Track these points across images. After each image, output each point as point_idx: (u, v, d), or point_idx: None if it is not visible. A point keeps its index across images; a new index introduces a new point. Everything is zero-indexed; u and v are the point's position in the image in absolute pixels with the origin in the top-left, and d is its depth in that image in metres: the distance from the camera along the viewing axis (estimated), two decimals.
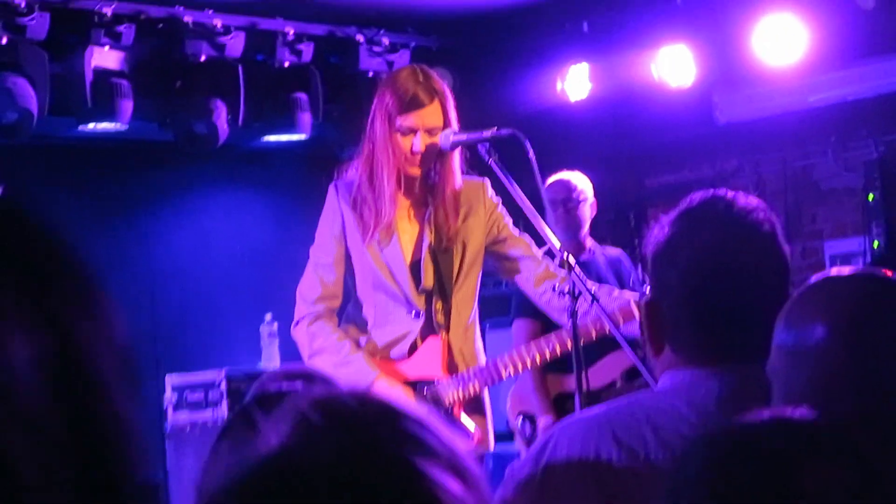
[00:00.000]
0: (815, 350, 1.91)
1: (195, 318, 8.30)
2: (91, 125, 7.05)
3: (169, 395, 7.27)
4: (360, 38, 7.82)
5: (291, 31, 7.52)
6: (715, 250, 2.39)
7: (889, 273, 2.03)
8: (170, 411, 7.28)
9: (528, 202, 4.67)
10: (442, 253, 4.80)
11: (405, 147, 4.65)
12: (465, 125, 4.78)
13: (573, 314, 4.27)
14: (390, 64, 7.90)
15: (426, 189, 4.82)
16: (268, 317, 7.63)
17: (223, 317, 8.28)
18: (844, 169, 9.13)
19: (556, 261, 4.53)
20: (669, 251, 2.41)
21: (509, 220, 4.94)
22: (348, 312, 4.91)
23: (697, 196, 2.47)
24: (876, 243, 8.55)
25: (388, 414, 1.17)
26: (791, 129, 8.92)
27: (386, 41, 7.91)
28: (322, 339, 4.76)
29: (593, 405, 6.44)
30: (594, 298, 4.29)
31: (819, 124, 8.81)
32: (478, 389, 4.81)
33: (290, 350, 6.87)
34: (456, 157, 4.77)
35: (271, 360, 7.60)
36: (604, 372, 6.37)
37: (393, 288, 4.78)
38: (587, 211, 6.60)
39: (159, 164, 8.18)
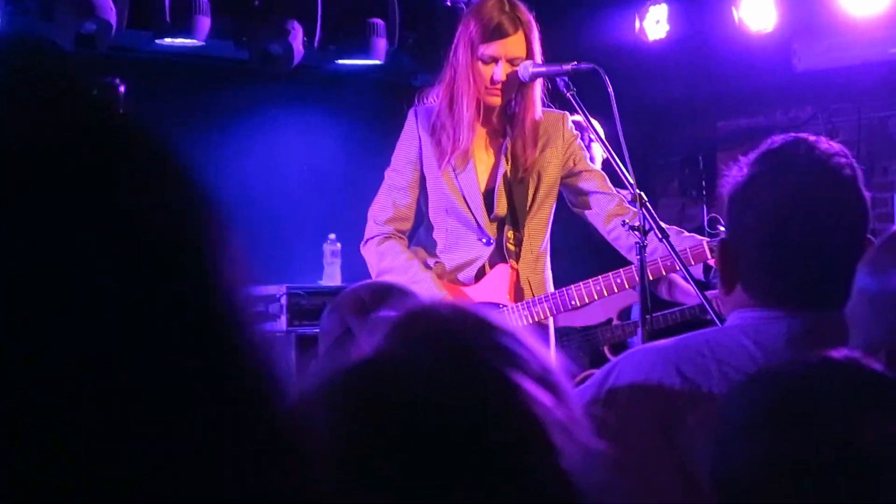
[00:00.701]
0: None
1: (259, 233, 8.35)
2: (168, 40, 7.08)
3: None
4: None
5: None
6: (795, 192, 2.38)
7: None
8: None
9: (604, 137, 4.69)
10: (517, 183, 4.83)
11: (486, 76, 4.68)
12: (545, 60, 4.77)
13: (641, 248, 4.28)
14: None
15: (505, 119, 4.86)
16: (332, 236, 7.68)
17: (287, 235, 8.32)
18: None
19: (628, 195, 4.55)
20: (748, 192, 2.41)
21: (587, 154, 4.97)
22: (419, 235, 4.97)
23: (779, 139, 2.46)
24: None
25: (483, 326, 1.16)
26: (870, 81, 8.81)
27: None
28: (391, 258, 4.82)
29: (585, 338, 6.54)
30: (663, 234, 4.29)
31: None
32: (544, 316, 4.84)
33: (351, 271, 6.93)
34: (537, 88, 4.78)
35: (333, 278, 7.66)
36: (600, 310, 6.49)
37: (465, 214, 4.83)
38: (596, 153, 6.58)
39: (233, 82, 8.20)
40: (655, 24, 8.28)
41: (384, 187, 4.93)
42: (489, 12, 4.69)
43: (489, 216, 4.83)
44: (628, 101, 7.70)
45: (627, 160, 4.47)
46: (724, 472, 1.49)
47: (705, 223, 4.45)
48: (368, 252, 4.91)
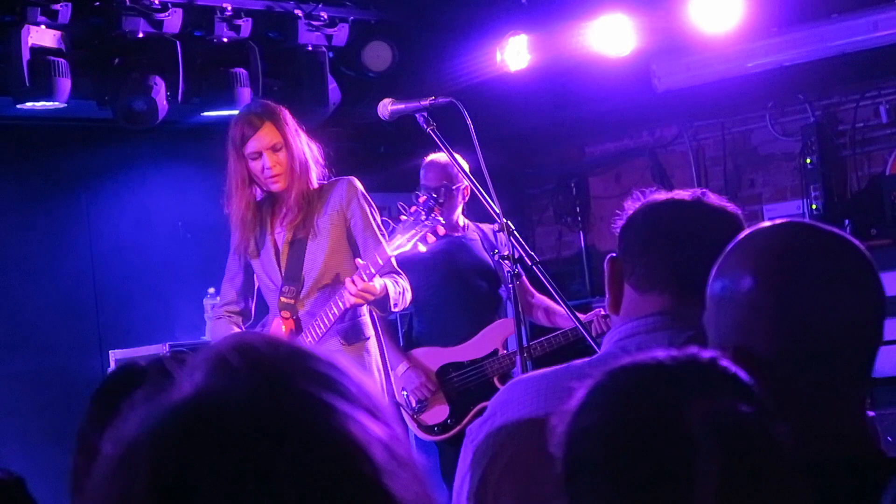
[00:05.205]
0: (743, 297, 1.97)
1: (138, 294, 8.28)
2: (29, 104, 6.99)
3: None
4: (298, 12, 7.79)
5: (229, 7, 7.48)
6: (669, 213, 2.61)
7: None
8: None
9: (465, 168, 4.74)
10: (295, 245, 5.46)
11: (257, 169, 5.36)
12: (405, 98, 4.82)
13: (513, 277, 4.33)
14: (329, 38, 7.88)
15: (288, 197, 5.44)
16: (211, 290, 7.63)
17: (166, 292, 8.26)
18: (782, 134, 9.23)
19: (496, 226, 4.60)
20: (635, 219, 2.63)
21: (365, 221, 5.46)
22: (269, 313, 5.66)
23: None
24: (814, 206, 8.66)
25: (298, 355, 1.20)
26: (729, 96, 9.00)
27: (324, 15, 7.88)
28: (219, 332, 5.67)
29: (473, 372, 6.80)
30: (534, 262, 4.35)
31: (756, 90, 8.89)
32: (324, 326, 5.35)
33: None
34: (294, 157, 5.36)
35: None
36: (485, 342, 6.61)
37: (270, 286, 5.52)
38: (458, 197, 6.68)
39: (99, 142, 8.14)
40: (516, 55, 8.36)
41: (224, 276, 5.77)
42: (236, 120, 5.52)
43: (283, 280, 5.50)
44: (496, 133, 7.79)
45: (492, 190, 4.52)
46: (565, 443, 1.58)
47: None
48: (208, 329, 5.86)
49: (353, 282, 5.17)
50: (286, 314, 5.48)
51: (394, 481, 1.13)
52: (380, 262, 5.23)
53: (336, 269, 5.47)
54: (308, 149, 5.45)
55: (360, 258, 5.30)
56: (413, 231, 5.12)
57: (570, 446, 1.60)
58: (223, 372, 1.17)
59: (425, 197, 5.06)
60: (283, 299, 5.48)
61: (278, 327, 5.49)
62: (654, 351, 1.65)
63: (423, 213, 5.07)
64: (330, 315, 5.34)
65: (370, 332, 5.53)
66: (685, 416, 1.53)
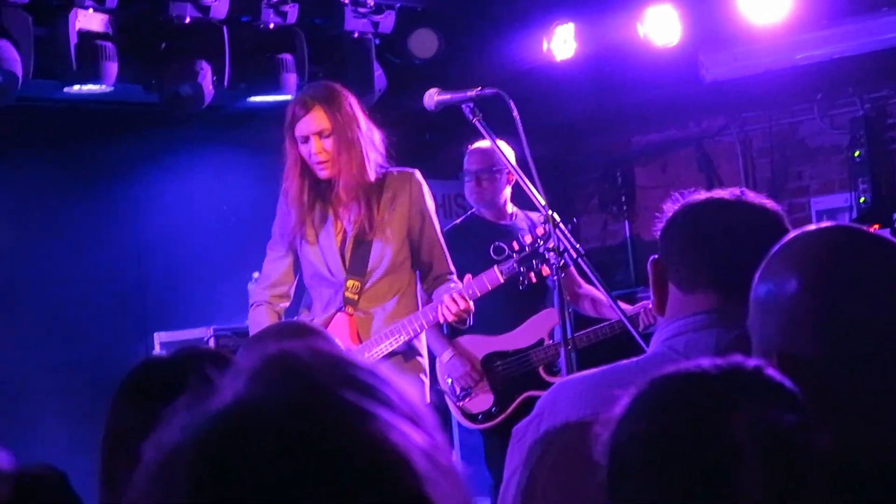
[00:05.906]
0: (787, 301, 1.97)
1: (183, 277, 8.30)
2: (76, 87, 7.01)
3: (157, 353, 7.28)
4: None
5: None
6: (708, 212, 2.63)
7: (875, 228, 2.08)
8: None
9: (511, 159, 4.72)
10: (360, 237, 5.33)
11: (305, 153, 5.29)
12: (451, 86, 4.81)
13: (558, 269, 4.32)
14: (375, 25, 7.87)
15: (339, 186, 5.34)
16: (255, 275, 7.65)
17: (210, 276, 8.29)
18: (830, 126, 9.16)
19: (541, 217, 4.59)
20: (676, 219, 2.64)
21: (431, 219, 5.45)
22: (305, 298, 5.63)
23: None
24: (862, 199, 8.60)
25: (338, 364, 1.19)
26: (777, 88, 8.94)
27: (371, 2, 7.86)
28: (260, 321, 5.51)
29: (518, 361, 6.83)
30: (579, 254, 4.34)
31: (805, 82, 8.83)
32: (396, 344, 5.27)
33: None
34: (358, 151, 5.24)
35: None
36: (531, 332, 6.60)
37: (329, 277, 5.37)
38: (503, 180, 6.68)
39: (144, 125, 8.16)
40: (563, 44, 8.33)
41: (266, 258, 5.66)
42: (292, 99, 5.49)
43: (345, 273, 5.36)
44: (541, 122, 7.76)
45: (537, 181, 4.51)
46: (609, 451, 1.58)
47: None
48: (250, 315, 5.68)
49: (455, 301, 5.13)
50: (350, 309, 5.41)
51: (434, 490, 1.12)
52: (488, 286, 5.28)
53: (399, 267, 5.43)
54: (367, 138, 5.30)
55: (431, 267, 5.42)
56: (509, 273, 5.26)
57: (613, 454, 1.60)
58: (264, 380, 1.17)
59: (532, 238, 5.10)
60: (347, 294, 5.40)
61: (342, 323, 5.41)
62: (699, 359, 1.64)
63: (520, 264, 5.20)
64: (404, 334, 5.31)
65: (423, 350, 5.53)
66: (729, 425, 1.54)
